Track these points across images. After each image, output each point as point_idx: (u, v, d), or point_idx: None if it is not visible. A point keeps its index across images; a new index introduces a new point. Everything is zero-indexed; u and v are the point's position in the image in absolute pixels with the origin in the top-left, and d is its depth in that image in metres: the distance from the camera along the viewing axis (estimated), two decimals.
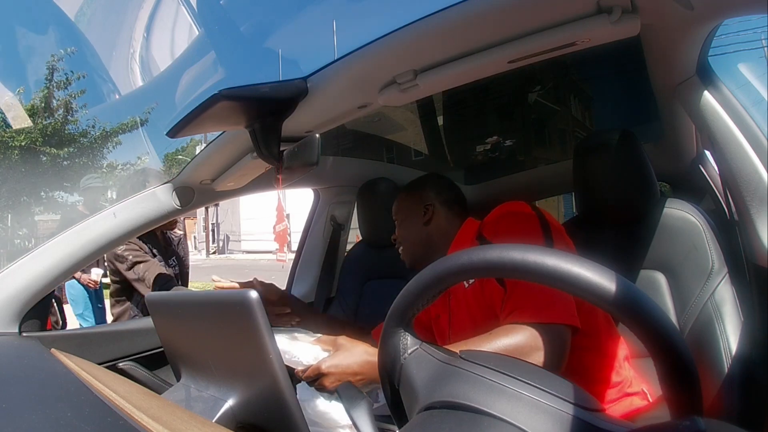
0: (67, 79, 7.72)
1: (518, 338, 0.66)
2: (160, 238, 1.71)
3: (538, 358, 0.65)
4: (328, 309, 1.62)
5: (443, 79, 0.71)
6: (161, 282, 1.49)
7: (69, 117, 7.90)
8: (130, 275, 1.53)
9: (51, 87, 7.67)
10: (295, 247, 1.85)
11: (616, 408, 0.80)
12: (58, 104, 7.74)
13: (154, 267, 1.53)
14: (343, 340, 0.77)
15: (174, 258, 1.77)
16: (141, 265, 1.53)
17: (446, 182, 1.07)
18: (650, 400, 0.84)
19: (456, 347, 0.61)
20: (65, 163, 7.99)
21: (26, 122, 7.37)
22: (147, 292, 1.51)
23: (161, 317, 0.75)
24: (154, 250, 1.64)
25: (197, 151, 1.08)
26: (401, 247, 1.06)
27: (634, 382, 0.84)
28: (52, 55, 7.67)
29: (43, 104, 7.59)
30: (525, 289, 0.72)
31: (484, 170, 1.92)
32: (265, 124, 0.78)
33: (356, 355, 0.73)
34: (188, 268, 1.94)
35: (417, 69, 0.71)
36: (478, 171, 1.92)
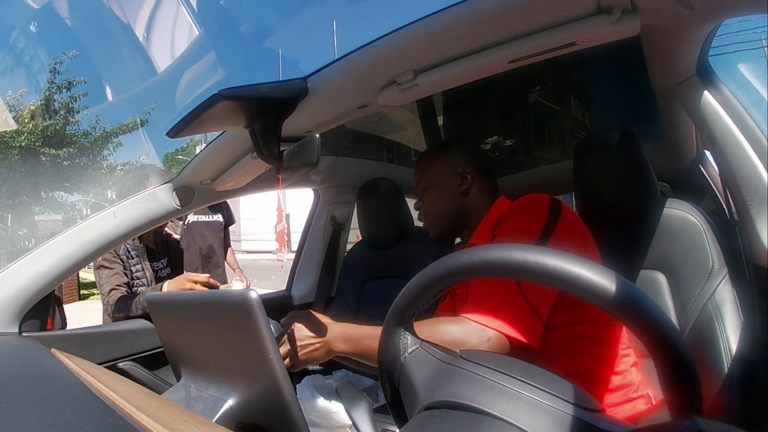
0: (69, 82, 7.74)
1: (452, 329, 0.68)
2: (149, 239, 1.63)
3: None
4: (328, 309, 1.62)
5: (443, 79, 0.71)
6: (117, 300, 1.41)
7: (70, 118, 7.91)
8: (95, 276, 1.51)
9: (52, 89, 7.69)
10: (295, 247, 1.84)
11: (619, 411, 0.79)
12: (60, 106, 7.75)
13: (112, 277, 1.46)
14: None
15: (164, 260, 1.69)
16: (105, 270, 1.48)
17: (479, 149, 0.99)
18: (654, 403, 0.84)
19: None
20: (65, 163, 7.99)
21: (27, 123, 7.38)
22: (102, 298, 1.47)
23: (161, 317, 0.75)
24: (133, 252, 1.58)
25: (197, 151, 1.08)
26: (426, 218, 0.98)
27: (640, 386, 0.84)
28: (53, 58, 7.70)
29: (44, 106, 7.61)
30: (481, 288, 0.74)
31: None
32: (265, 124, 0.78)
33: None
34: (183, 269, 1.89)
35: (417, 69, 0.71)
36: None
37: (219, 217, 2.50)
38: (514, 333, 0.68)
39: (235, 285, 1.96)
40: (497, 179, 0.99)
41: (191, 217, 2.38)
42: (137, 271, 1.56)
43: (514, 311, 0.69)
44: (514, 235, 0.78)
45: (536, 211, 0.80)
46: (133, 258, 1.56)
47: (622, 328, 0.85)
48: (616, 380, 0.81)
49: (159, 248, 1.69)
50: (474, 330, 0.68)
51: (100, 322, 1.57)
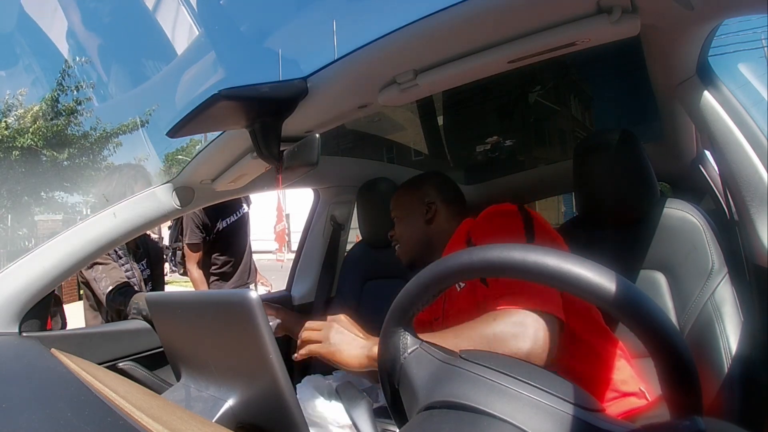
0: (77, 86, 7.78)
1: (509, 321, 0.62)
2: (131, 240, 1.63)
3: (529, 343, 0.61)
4: (328, 309, 1.62)
5: (443, 79, 0.71)
6: (117, 289, 1.42)
7: (72, 119, 7.93)
8: (88, 275, 1.48)
9: (57, 91, 7.72)
10: (294, 247, 1.84)
11: (613, 407, 0.80)
12: (63, 108, 7.77)
13: (111, 271, 1.46)
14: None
15: (144, 261, 1.69)
16: (100, 266, 1.46)
17: (448, 180, 1.06)
18: (648, 399, 0.84)
19: (442, 337, 0.60)
20: (65, 163, 8.01)
21: (31, 123, 7.40)
22: (99, 294, 1.46)
23: (161, 317, 0.75)
24: (120, 252, 1.56)
25: (197, 151, 1.08)
26: (398, 245, 1.05)
27: (631, 382, 0.84)
28: (66, 61, 7.74)
29: (50, 107, 7.63)
30: (510, 280, 0.68)
31: (484, 170, 1.92)
32: (265, 124, 0.78)
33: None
34: (163, 271, 1.87)
35: (417, 69, 0.71)
36: (478, 171, 1.92)
37: (245, 207, 2.42)
38: (557, 311, 0.64)
39: (260, 289, 1.93)
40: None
41: (220, 224, 2.18)
42: (126, 270, 1.56)
43: (546, 291, 0.65)
44: (496, 238, 0.76)
45: (511, 215, 0.82)
46: (121, 258, 1.56)
47: (597, 320, 0.85)
48: (608, 375, 0.81)
49: (140, 249, 1.68)
50: (530, 317, 0.62)
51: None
